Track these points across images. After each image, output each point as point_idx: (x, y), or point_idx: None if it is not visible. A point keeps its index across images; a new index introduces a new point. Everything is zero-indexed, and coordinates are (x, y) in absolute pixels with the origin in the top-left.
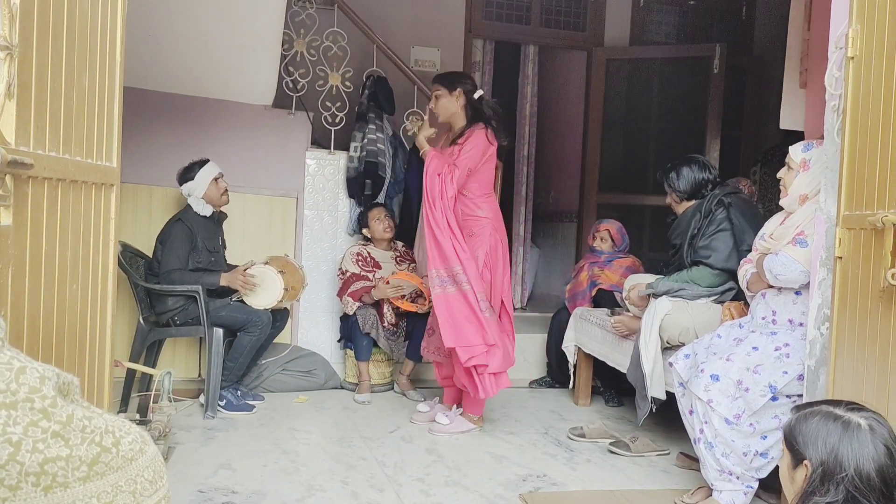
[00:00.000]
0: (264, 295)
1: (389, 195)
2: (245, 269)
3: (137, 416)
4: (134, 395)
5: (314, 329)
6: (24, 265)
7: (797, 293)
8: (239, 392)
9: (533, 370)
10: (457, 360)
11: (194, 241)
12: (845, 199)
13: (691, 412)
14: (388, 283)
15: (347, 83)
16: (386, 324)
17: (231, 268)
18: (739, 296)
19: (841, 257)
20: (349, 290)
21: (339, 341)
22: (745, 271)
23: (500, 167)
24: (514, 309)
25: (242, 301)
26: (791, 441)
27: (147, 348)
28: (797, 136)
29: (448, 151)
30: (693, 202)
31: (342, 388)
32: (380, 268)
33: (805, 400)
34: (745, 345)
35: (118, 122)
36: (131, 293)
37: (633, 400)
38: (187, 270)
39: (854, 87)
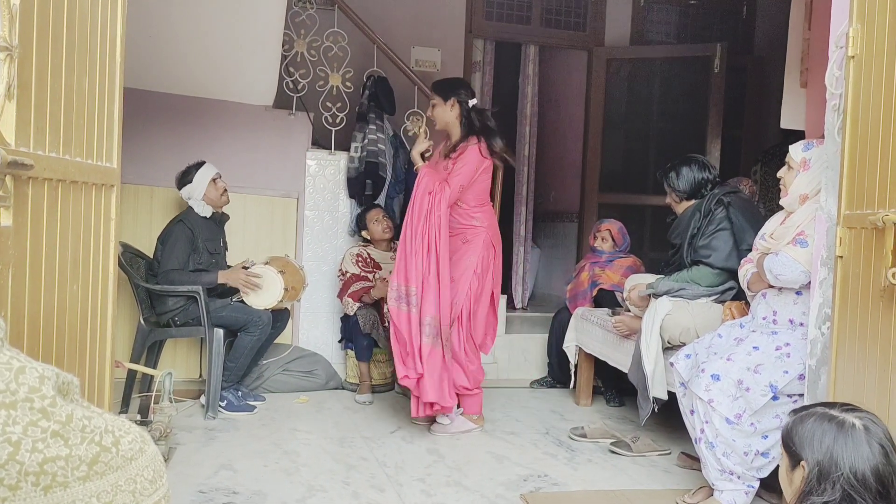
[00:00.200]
0: (265, 295)
1: (390, 195)
2: (244, 267)
3: (138, 417)
4: (135, 395)
5: (315, 329)
6: (25, 266)
7: (798, 293)
8: (240, 392)
9: (534, 370)
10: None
11: (195, 242)
12: (846, 199)
13: (692, 412)
14: (387, 283)
15: (348, 83)
16: (386, 324)
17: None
18: (740, 295)
19: (842, 256)
20: (349, 291)
21: (339, 342)
22: (746, 271)
23: (500, 168)
24: (515, 309)
25: (243, 301)
26: (788, 443)
27: (148, 349)
28: (798, 136)
29: (442, 165)
30: (693, 202)
31: (343, 388)
32: (380, 268)
33: (806, 399)
34: (745, 344)
35: (118, 122)
36: (132, 294)
37: (634, 400)
38: (187, 271)
39: (854, 86)
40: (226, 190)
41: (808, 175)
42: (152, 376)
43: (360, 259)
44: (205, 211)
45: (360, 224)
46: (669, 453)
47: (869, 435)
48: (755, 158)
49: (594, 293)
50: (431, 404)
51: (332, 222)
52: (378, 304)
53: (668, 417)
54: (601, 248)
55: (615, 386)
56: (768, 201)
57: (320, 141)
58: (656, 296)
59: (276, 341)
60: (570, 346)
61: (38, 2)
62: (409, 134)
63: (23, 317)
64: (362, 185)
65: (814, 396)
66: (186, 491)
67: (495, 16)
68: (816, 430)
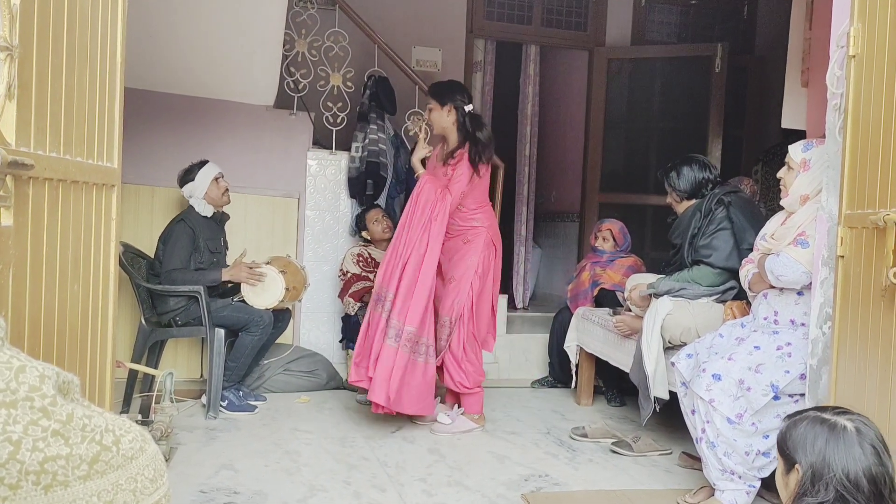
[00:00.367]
0: (266, 295)
1: (391, 195)
2: (244, 259)
3: (139, 417)
4: (136, 395)
5: (316, 329)
6: (25, 266)
7: (799, 294)
8: (241, 392)
9: (535, 370)
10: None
11: (196, 241)
12: (847, 198)
13: (693, 412)
14: None
15: (349, 83)
16: None
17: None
18: (741, 295)
19: (843, 256)
20: (350, 291)
21: (340, 342)
22: (747, 271)
23: (501, 167)
24: (516, 309)
25: (244, 301)
26: (782, 447)
27: (149, 349)
28: (799, 135)
29: (441, 171)
30: (693, 201)
31: (344, 388)
32: None
33: (808, 398)
34: (746, 344)
35: (119, 122)
36: (133, 294)
37: (635, 399)
38: (189, 270)
39: (856, 85)
40: (227, 189)
41: (808, 175)
42: (153, 376)
43: (360, 259)
44: (206, 210)
45: (359, 224)
46: (671, 453)
47: (861, 437)
48: (756, 158)
49: (595, 293)
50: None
51: (333, 222)
52: None
53: (670, 417)
54: (602, 248)
55: (616, 386)
56: (769, 201)
57: (321, 141)
58: (657, 295)
59: (277, 341)
60: (571, 346)
61: (39, 2)
62: (410, 134)
63: (23, 317)
64: (363, 185)
65: (815, 396)
66: (187, 491)
67: (496, 15)
68: (809, 433)
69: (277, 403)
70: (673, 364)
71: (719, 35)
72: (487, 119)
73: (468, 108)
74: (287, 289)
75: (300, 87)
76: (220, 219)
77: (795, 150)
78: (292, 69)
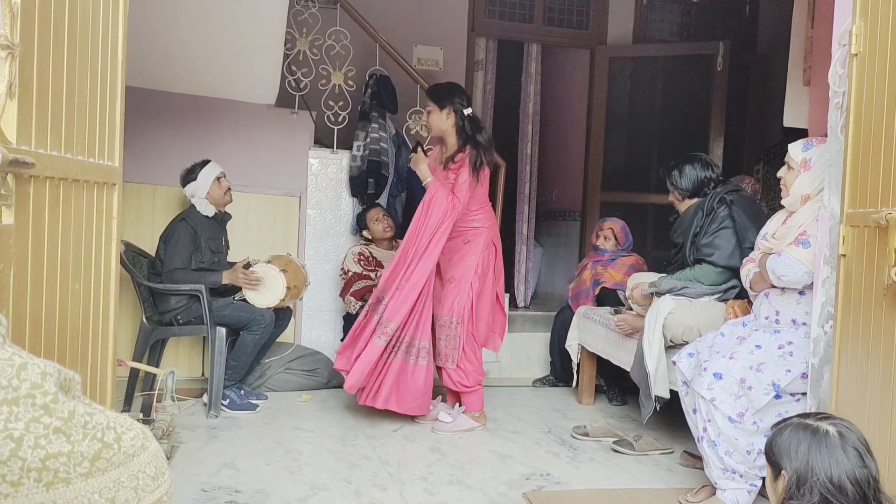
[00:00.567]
0: (267, 294)
1: (392, 194)
2: (243, 266)
3: (141, 416)
4: (137, 394)
5: (317, 328)
6: (26, 265)
7: (800, 293)
8: (242, 391)
9: (536, 369)
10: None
11: (198, 240)
12: (849, 197)
13: (695, 411)
14: None
15: (350, 82)
16: None
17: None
18: (743, 294)
19: (845, 255)
20: (351, 290)
21: (342, 340)
22: (748, 271)
23: (502, 167)
24: (518, 308)
25: (245, 300)
26: (769, 455)
27: (150, 347)
28: (801, 134)
29: (442, 175)
30: (695, 200)
31: None
32: (382, 267)
33: (809, 397)
34: (748, 343)
35: (120, 121)
36: (134, 292)
37: (636, 398)
38: (190, 270)
39: (857, 84)
40: (229, 189)
41: (809, 175)
42: (155, 375)
43: (362, 258)
44: (207, 210)
45: (360, 224)
46: (672, 452)
47: (843, 441)
48: (758, 157)
49: (597, 292)
50: (360, 391)
51: (335, 221)
52: None
53: (671, 416)
54: (604, 247)
55: (618, 384)
56: (771, 200)
57: (322, 140)
58: (659, 294)
59: (278, 340)
60: (572, 345)
61: (40, 0)
62: (412, 133)
63: (24, 316)
64: (364, 184)
65: (817, 395)
66: (189, 489)
67: (497, 14)
68: (793, 439)
69: (279, 402)
70: (674, 363)
71: (721, 33)
72: (489, 118)
73: (467, 111)
74: (288, 288)
75: (301, 85)
76: (221, 218)
77: (795, 150)
78: (294, 68)
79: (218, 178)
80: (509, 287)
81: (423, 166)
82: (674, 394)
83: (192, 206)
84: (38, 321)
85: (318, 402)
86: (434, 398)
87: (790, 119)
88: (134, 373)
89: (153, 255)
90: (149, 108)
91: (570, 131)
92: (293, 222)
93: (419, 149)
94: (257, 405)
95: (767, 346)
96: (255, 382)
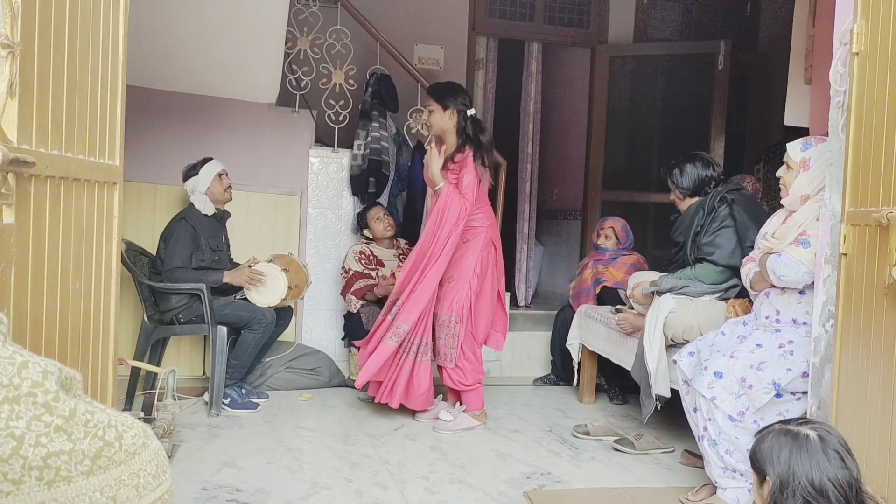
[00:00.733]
0: (268, 293)
1: (393, 193)
2: (250, 265)
3: (142, 414)
4: (138, 393)
5: (318, 327)
6: (27, 264)
7: (801, 293)
8: (243, 390)
9: (537, 368)
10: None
11: (198, 239)
12: (850, 196)
13: (695, 409)
14: (390, 280)
15: (351, 81)
16: None
17: (235, 266)
18: (743, 293)
19: (846, 254)
20: (352, 289)
21: (343, 339)
22: (749, 270)
23: (503, 166)
24: (518, 307)
25: (246, 299)
26: (753, 462)
27: (151, 346)
28: (801, 133)
29: (442, 174)
30: (696, 199)
31: (346, 386)
32: (383, 265)
33: (810, 396)
34: (748, 342)
35: (121, 120)
36: (135, 291)
37: (637, 397)
38: (190, 268)
39: (859, 83)
40: (230, 186)
41: (808, 175)
42: (156, 374)
43: (363, 256)
44: (207, 208)
45: (361, 223)
46: (673, 451)
47: (824, 444)
48: (759, 156)
49: (597, 291)
50: (376, 389)
51: (336, 220)
52: (381, 302)
53: (672, 415)
54: (604, 246)
55: (618, 383)
56: (772, 199)
57: (323, 138)
58: (660, 293)
59: (279, 339)
60: (573, 344)
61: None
62: (412, 131)
63: (25, 314)
64: (365, 183)
65: (817, 394)
66: (190, 488)
67: (498, 13)
68: (774, 445)
69: (280, 401)
70: (675, 362)
71: (722, 32)
72: (489, 117)
73: (470, 112)
74: (289, 287)
75: (302, 84)
76: (221, 216)
77: (794, 150)
78: (294, 67)
79: (220, 175)
80: (510, 286)
81: (435, 168)
82: (674, 393)
83: (192, 204)
84: (38, 320)
85: (318, 400)
86: (435, 397)
87: (791, 118)
88: (135, 372)
89: (154, 254)
90: (149, 108)
91: (570, 130)
92: (294, 221)
93: (432, 146)
94: (258, 404)
95: (768, 345)
96: (256, 381)
